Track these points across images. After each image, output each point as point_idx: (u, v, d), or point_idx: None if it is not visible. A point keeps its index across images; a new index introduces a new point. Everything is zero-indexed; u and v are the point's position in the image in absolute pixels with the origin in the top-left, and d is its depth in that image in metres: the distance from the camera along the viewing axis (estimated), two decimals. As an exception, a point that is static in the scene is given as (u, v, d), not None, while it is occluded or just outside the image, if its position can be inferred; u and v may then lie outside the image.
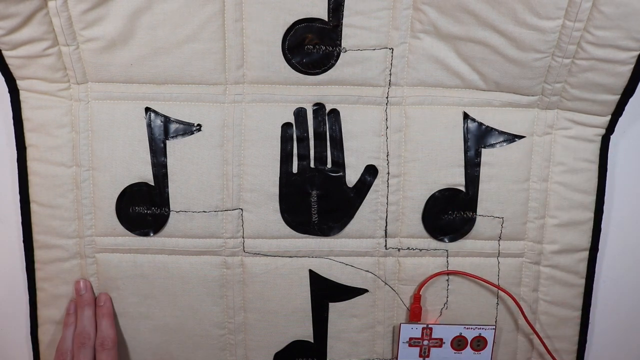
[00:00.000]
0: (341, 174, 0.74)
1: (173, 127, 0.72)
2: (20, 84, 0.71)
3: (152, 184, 0.73)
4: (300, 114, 0.73)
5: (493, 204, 0.75)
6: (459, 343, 0.77)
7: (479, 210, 0.75)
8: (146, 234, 0.74)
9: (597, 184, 0.75)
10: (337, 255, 0.76)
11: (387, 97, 0.73)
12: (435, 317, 0.78)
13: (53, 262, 0.75)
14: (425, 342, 0.77)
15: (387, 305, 0.78)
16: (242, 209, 0.74)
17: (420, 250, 0.76)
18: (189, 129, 0.73)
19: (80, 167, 0.73)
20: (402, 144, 0.74)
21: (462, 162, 0.74)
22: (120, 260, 0.75)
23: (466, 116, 0.73)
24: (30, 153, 0.73)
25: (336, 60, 0.71)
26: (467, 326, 0.76)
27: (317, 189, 0.74)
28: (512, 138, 0.74)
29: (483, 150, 0.73)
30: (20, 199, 0.74)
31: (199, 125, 0.72)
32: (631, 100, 0.70)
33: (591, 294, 0.78)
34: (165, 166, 0.73)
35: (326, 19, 0.69)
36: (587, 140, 0.73)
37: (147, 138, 0.72)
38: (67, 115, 0.72)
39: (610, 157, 0.74)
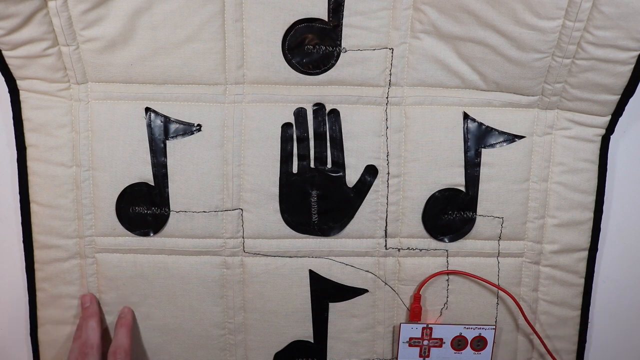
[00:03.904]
0: (341, 174, 0.74)
1: (173, 127, 0.72)
2: (20, 84, 0.71)
3: (152, 184, 0.73)
4: (300, 114, 0.73)
5: (493, 204, 0.75)
6: (459, 343, 0.77)
7: (479, 210, 0.75)
8: (146, 234, 0.74)
9: (596, 184, 0.75)
10: (337, 255, 0.76)
11: (387, 97, 0.73)
12: (435, 317, 0.78)
13: (53, 262, 0.75)
14: (425, 342, 0.77)
15: (387, 305, 0.78)
16: (242, 209, 0.74)
17: (420, 250, 0.76)
18: (189, 129, 0.72)
19: (80, 167, 0.73)
20: (402, 144, 0.74)
21: (462, 162, 0.74)
22: (120, 261, 0.75)
23: (466, 116, 0.73)
24: (30, 153, 0.73)
25: (336, 61, 0.71)
26: (467, 326, 0.76)
27: (317, 189, 0.74)
28: (512, 138, 0.74)
29: (483, 150, 0.73)
30: (20, 199, 0.74)
31: (199, 125, 0.72)
32: (631, 100, 0.70)
33: (591, 294, 0.78)
34: (165, 166, 0.73)
35: (326, 19, 0.69)
36: (587, 141, 0.73)
37: (147, 138, 0.72)
38: (67, 115, 0.72)
39: (610, 157, 0.74)
